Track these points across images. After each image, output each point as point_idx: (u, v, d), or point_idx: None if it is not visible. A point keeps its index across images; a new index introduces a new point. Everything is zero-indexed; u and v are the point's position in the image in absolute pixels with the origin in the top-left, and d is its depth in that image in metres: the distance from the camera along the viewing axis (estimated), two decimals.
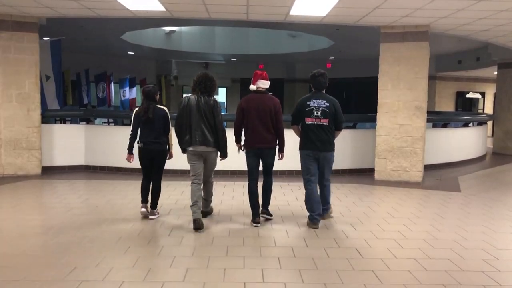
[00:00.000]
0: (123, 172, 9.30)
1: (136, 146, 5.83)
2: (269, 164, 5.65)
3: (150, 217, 5.83)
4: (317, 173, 5.61)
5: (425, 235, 5.44)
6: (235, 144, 5.68)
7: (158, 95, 5.92)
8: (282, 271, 4.18)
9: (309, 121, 5.60)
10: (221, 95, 24.73)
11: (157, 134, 5.73)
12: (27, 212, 6.27)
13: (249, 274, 4.06)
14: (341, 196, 7.54)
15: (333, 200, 7.10)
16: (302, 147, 5.68)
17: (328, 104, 5.59)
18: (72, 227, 5.44)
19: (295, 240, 5.12)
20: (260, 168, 5.72)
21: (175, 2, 7.51)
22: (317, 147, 5.56)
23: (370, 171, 9.59)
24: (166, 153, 5.84)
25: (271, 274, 4.08)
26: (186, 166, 5.65)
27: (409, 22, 8.59)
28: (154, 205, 5.87)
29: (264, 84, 5.62)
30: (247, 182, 5.72)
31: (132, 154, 5.87)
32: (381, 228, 5.69)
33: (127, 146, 5.83)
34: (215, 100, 5.43)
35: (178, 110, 5.46)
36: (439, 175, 9.81)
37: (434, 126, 11.84)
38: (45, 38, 10.91)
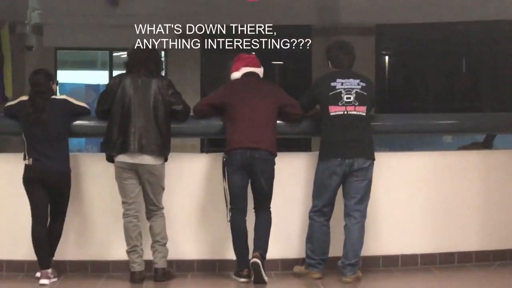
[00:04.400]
0: None
1: (22, 164, 3.96)
2: (265, 185, 3.90)
3: (42, 282, 3.84)
4: (334, 200, 4.06)
5: None
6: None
7: (55, 84, 4.25)
8: None
9: (336, 110, 4.07)
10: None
11: (55, 144, 3.94)
12: None
13: None
14: None
15: None
16: (324, 156, 4.05)
17: (364, 84, 4.10)
18: None
19: None
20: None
21: None
22: (348, 151, 3.99)
23: None
24: (69, 177, 4.00)
25: None
26: None
27: None
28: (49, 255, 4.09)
29: (255, 70, 4.18)
30: (228, 215, 3.95)
31: None
32: None
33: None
34: (168, 83, 4.03)
35: (101, 94, 4.18)
36: None
37: None
38: None
